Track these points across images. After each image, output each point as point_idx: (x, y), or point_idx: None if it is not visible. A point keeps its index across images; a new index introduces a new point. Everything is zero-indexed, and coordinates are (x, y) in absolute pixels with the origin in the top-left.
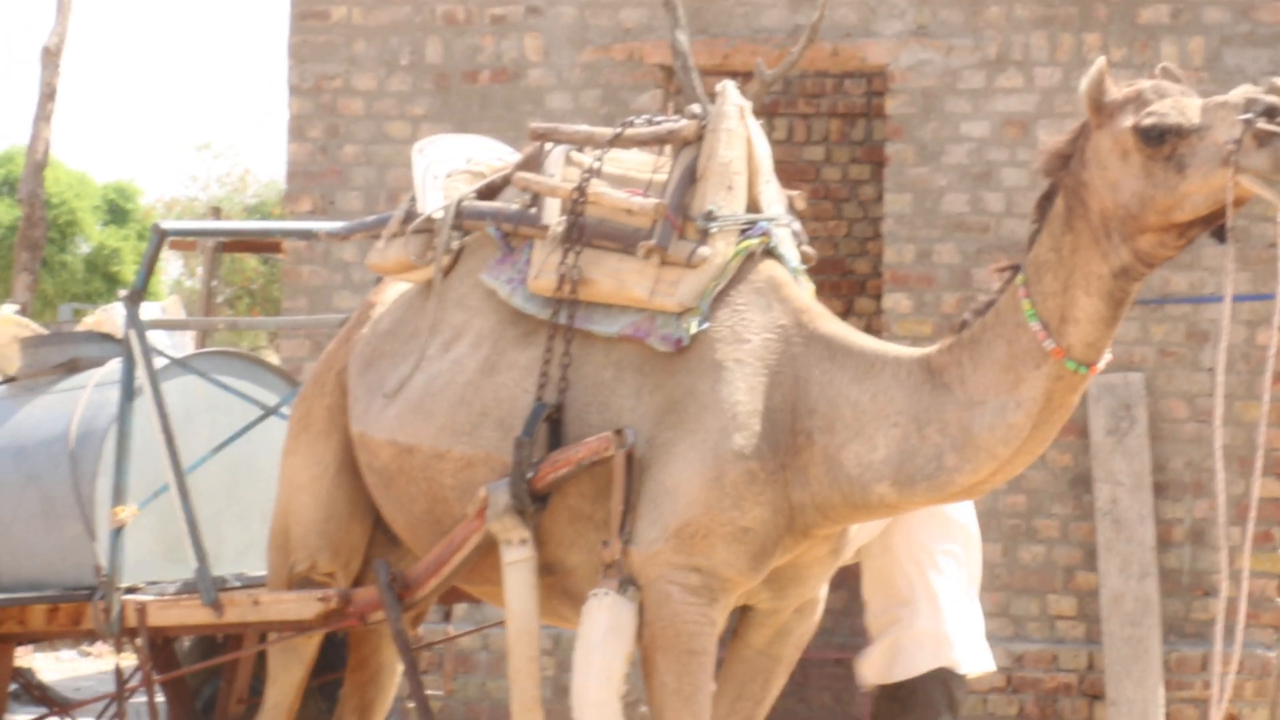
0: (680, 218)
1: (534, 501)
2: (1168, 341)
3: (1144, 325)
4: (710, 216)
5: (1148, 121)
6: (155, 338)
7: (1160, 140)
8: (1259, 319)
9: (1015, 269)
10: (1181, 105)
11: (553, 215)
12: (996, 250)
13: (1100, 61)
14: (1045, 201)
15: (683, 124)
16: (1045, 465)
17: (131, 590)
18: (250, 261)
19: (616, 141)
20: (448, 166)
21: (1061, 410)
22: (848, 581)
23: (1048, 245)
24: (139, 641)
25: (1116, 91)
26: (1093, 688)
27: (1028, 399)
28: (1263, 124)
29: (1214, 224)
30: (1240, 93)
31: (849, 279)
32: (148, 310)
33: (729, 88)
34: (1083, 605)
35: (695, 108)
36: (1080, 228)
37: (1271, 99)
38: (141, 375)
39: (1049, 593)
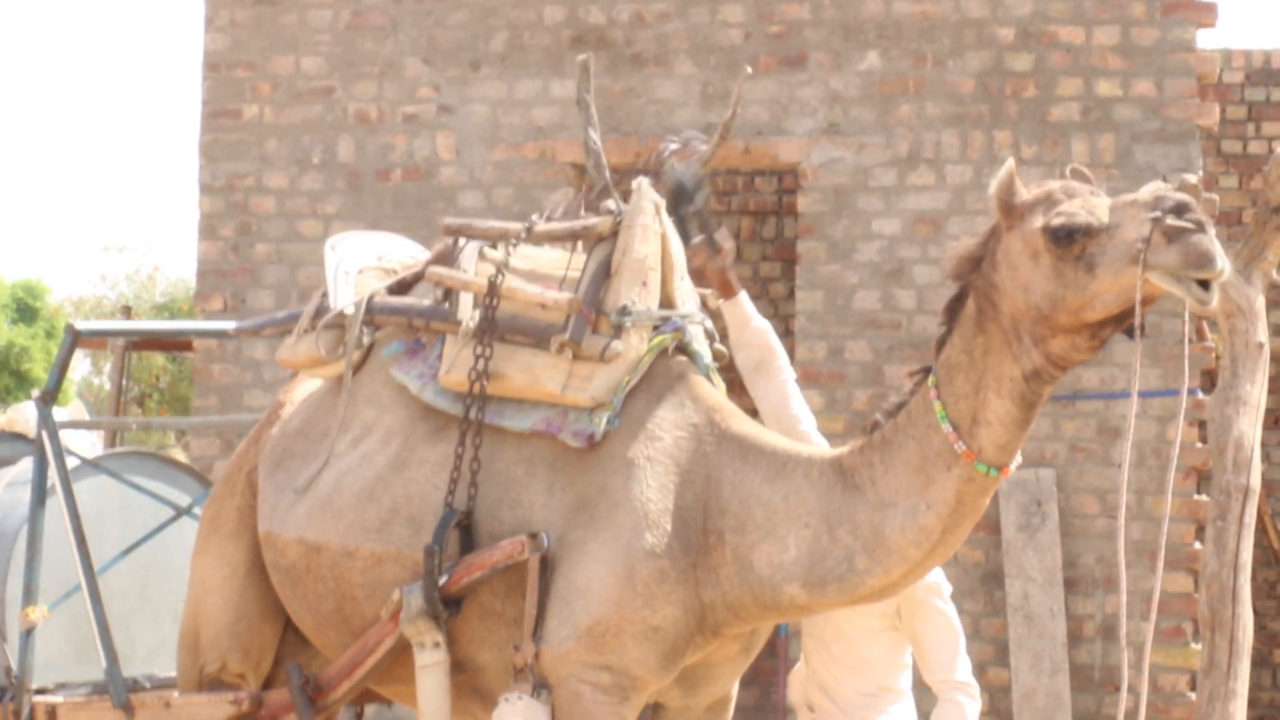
0: (594, 313)
1: (447, 605)
2: (1079, 437)
3: (1055, 421)
4: (624, 311)
5: (1057, 221)
6: (67, 438)
7: (1070, 240)
8: (1169, 415)
9: (927, 370)
10: (1091, 205)
11: (465, 310)
12: (908, 347)
13: (1009, 164)
14: (955, 304)
15: (597, 220)
16: (957, 561)
17: (42, 691)
18: (158, 359)
19: (530, 236)
20: (359, 263)
21: (973, 512)
22: (759, 678)
23: (959, 347)
24: None
25: (1026, 193)
26: None
27: (939, 501)
28: (1171, 220)
29: (1125, 323)
30: (1149, 190)
31: None
32: (55, 413)
33: (644, 185)
34: (995, 701)
35: (610, 204)
36: (991, 330)
37: (1179, 196)
38: (53, 475)
39: None
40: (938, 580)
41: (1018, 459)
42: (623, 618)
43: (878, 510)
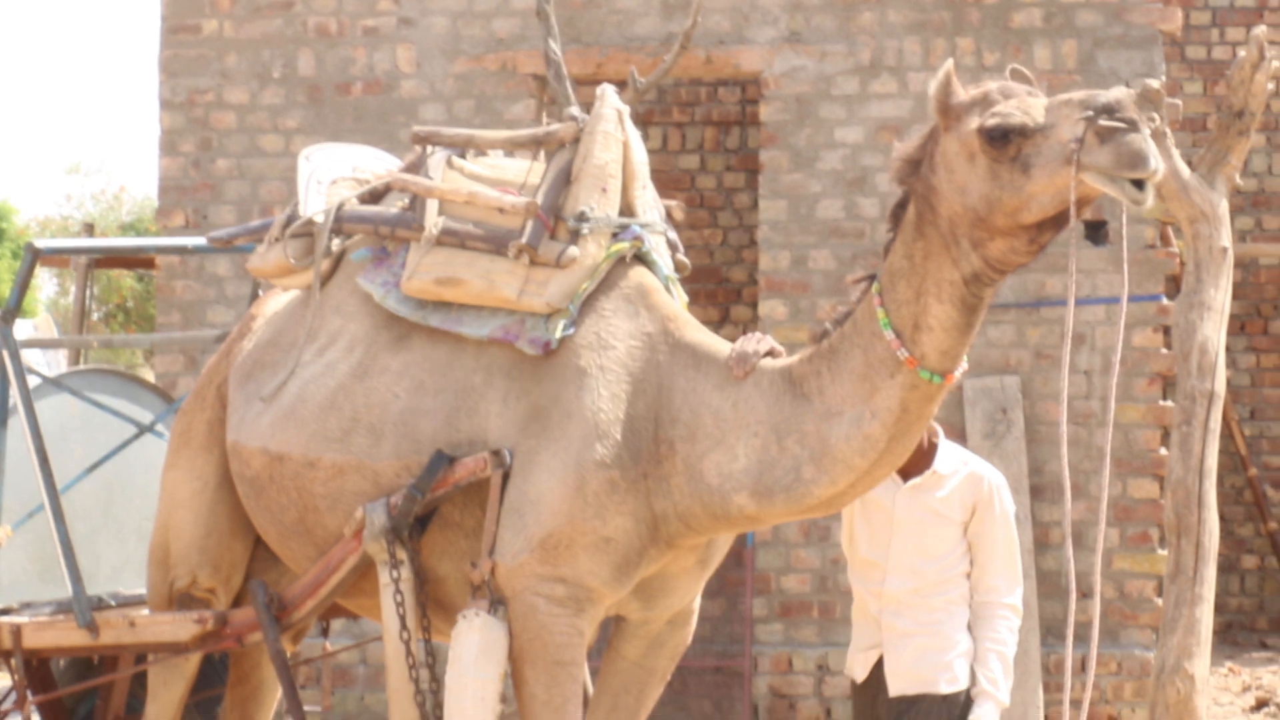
0: (552, 218)
1: (412, 523)
2: (1044, 344)
3: (1020, 328)
4: (582, 218)
5: (991, 122)
6: (29, 356)
7: (1005, 141)
8: (1135, 320)
9: (872, 278)
10: (1026, 105)
11: (430, 217)
12: (871, 256)
13: (948, 64)
14: (899, 209)
15: (559, 126)
16: None
17: (6, 611)
18: (125, 279)
19: (497, 143)
20: (333, 173)
21: (919, 420)
22: (726, 590)
23: (900, 253)
24: (14, 663)
25: (964, 94)
26: None
27: (883, 409)
28: (1103, 120)
29: (1063, 226)
30: (1086, 92)
31: (725, 287)
32: (20, 329)
33: (608, 91)
34: None
35: (574, 111)
36: (930, 234)
37: (1112, 95)
38: (15, 395)
39: None
40: (1003, 481)
41: (963, 365)
42: (574, 529)
43: (824, 419)
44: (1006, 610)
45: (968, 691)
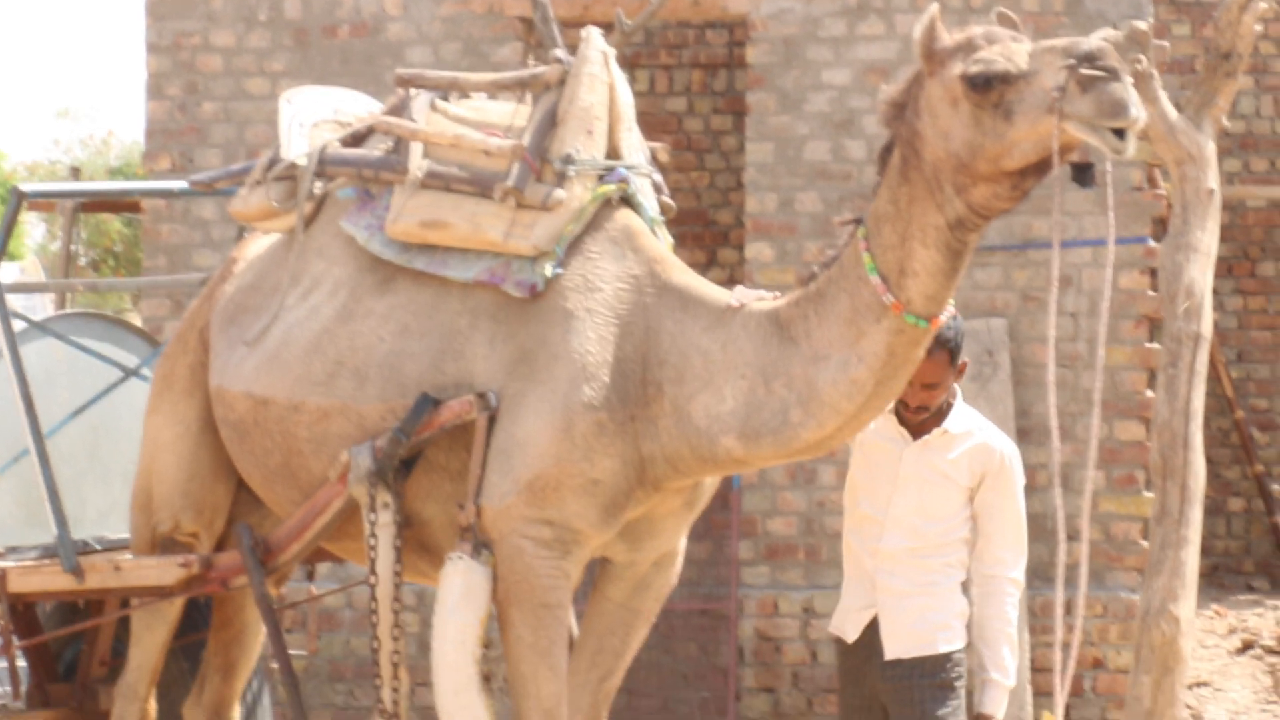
0: (538, 160)
1: (397, 466)
2: (1030, 287)
3: (1006, 270)
4: (568, 160)
5: (975, 69)
6: (14, 301)
7: (987, 87)
8: (1120, 263)
9: (858, 221)
10: (1010, 51)
11: (415, 160)
12: (859, 198)
13: (932, 8)
14: (886, 153)
15: (544, 69)
16: None
17: None
18: (114, 224)
19: (481, 85)
20: (314, 116)
21: (905, 364)
22: (712, 533)
23: (886, 198)
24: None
25: (948, 39)
26: None
27: (869, 353)
28: (1085, 69)
29: (1047, 172)
30: (1069, 39)
31: (712, 229)
32: (6, 272)
33: (593, 34)
34: None
35: (559, 53)
36: (915, 179)
37: (1094, 42)
38: (0, 339)
39: None
40: (1016, 452)
41: (948, 309)
42: (561, 471)
43: (811, 363)
44: (1012, 586)
45: (963, 650)
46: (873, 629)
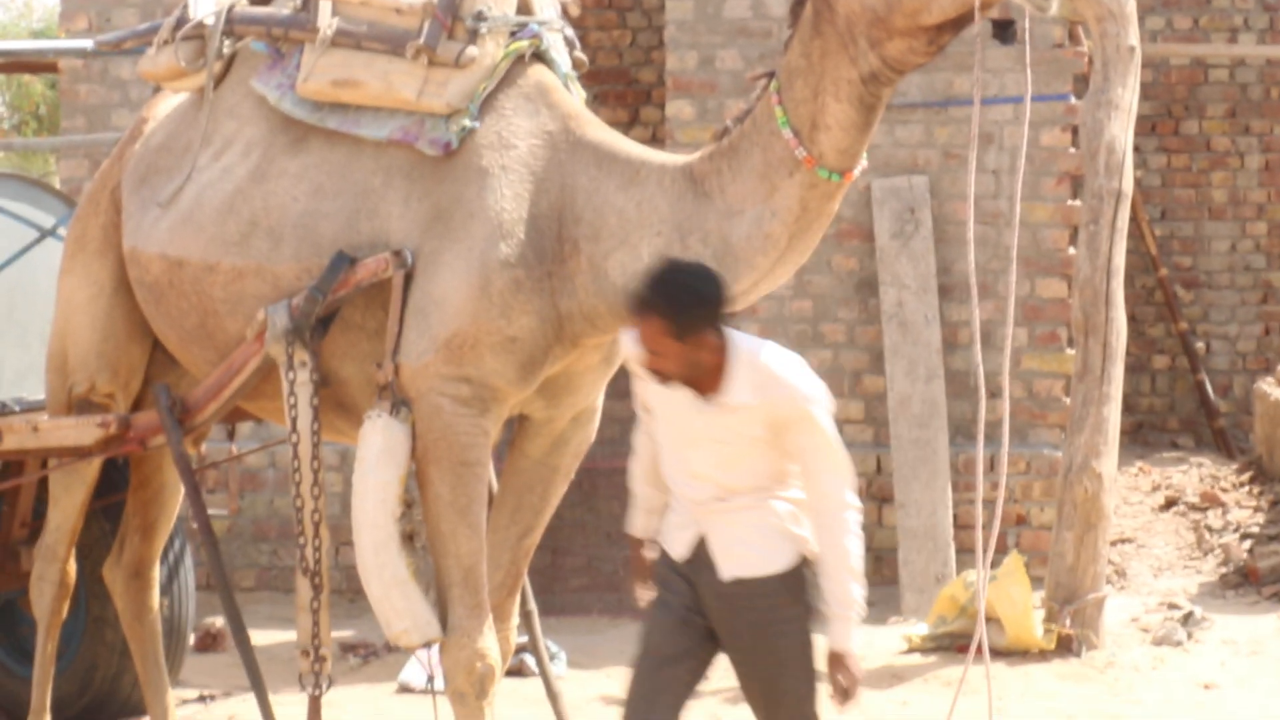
0: (449, 18)
1: (314, 325)
2: (952, 144)
3: (928, 128)
4: (480, 17)
5: None
6: None
7: None
8: (1042, 120)
9: (771, 75)
10: None
11: (325, 18)
12: (779, 55)
13: None
14: (798, 6)
15: None
16: (830, 270)
17: None
18: (36, 87)
19: None
20: None
21: (819, 218)
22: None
23: (798, 51)
24: None
25: None
26: (881, 490)
27: (783, 208)
28: None
29: (965, 26)
30: None
31: (634, 88)
32: None
33: None
34: (870, 409)
35: None
36: (828, 32)
37: None
38: None
39: (837, 397)
40: (817, 392)
41: (862, 163)
42: (479, 329)
43: (726, 218)
44: (846, 515)
45: (803, 567)
46: (702, 547)
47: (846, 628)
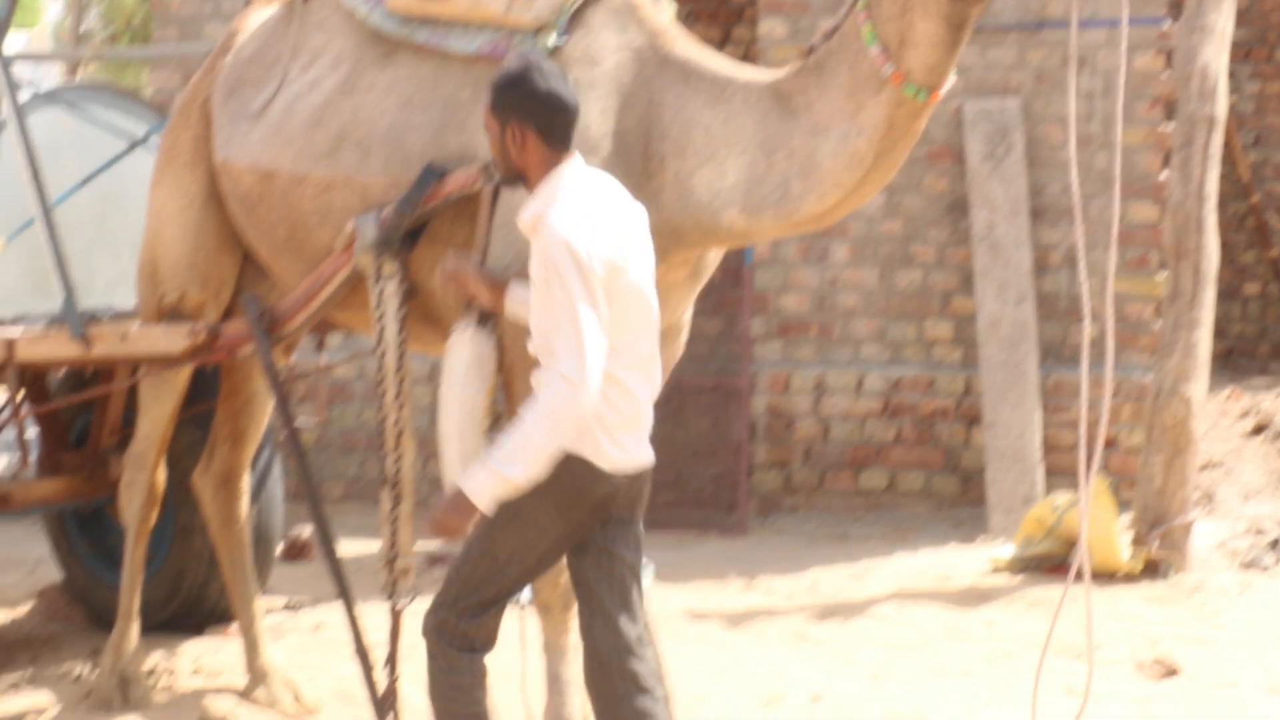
0: None
1: (402, 237)
2: (1044, 67)
3: (1021, 50)
4: None
5: None
6: (21, 71)
7: None
8: (1136, 44)
9: None
10: None
11: None
12: None
13: None
14: None
15: None
16: (921, 191)
17: None
18: None
19: None
20: None
21: (905, 136)
22: (725, 309)
23: None
24: (8, 375)
25: None
26: (970, 411)
27: (869, 125)
28: None
29: None
30: None
31: (726, 7)
32: (13, 41)
33: None
34: (960, 330)
35: None
36: None
37: None
38: (6, 109)
39: (926, 318)
40: (571, 238)
41: (949, 82)
42: None
43: (812, 135)
44: (558, 381)
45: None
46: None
47: (479, 483)
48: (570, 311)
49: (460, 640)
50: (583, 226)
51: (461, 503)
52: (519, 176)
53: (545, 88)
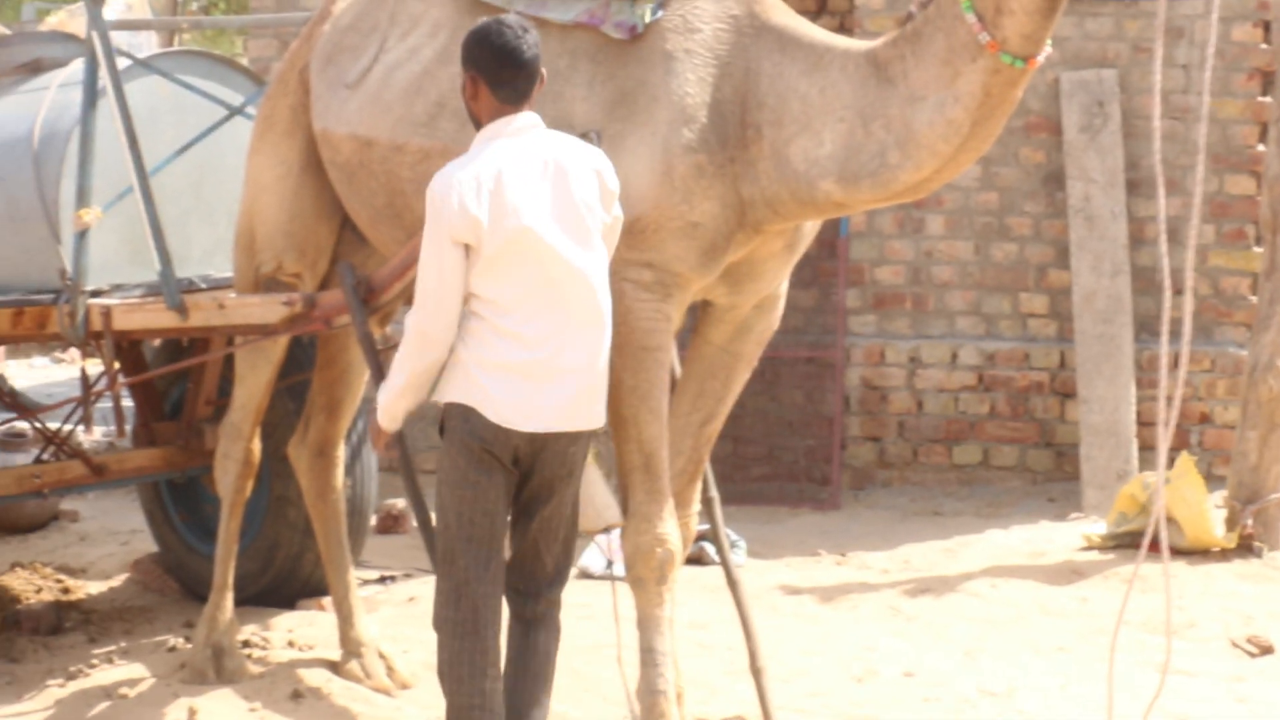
0: None
1: None
2: (1141, 38)
3: (1118, 21)
4: None
5: None
6: (119, 38)
7: None
8: (1233, 14)
9: None
10: None
11: None
12: None
13: None
14: None
15: None
16: (1017, 162)
17: (96, 294)
18: None
19: None
20: None
21: (1002, 105)
22: (819, 280)
23: None
24: (104, 344)
25: None
26: (1064, 385)
27: (966, 94)
28: None
29: None
30: None
31: None
32: (112, 10)
33: None
34: (1055, 303)
35: None
36: None
37: None
38: (105, 76)
39: (1021, 290)
40: (443, 190)
41: (1046, 50)
42: (661, 214)
43: (909, 104)
44: (409, 319)
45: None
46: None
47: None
48: (422, 258)
49: (456, 628)
50: (457, 177)
51: (373, 417)
52: (477, 123)
53: (500, 43)
